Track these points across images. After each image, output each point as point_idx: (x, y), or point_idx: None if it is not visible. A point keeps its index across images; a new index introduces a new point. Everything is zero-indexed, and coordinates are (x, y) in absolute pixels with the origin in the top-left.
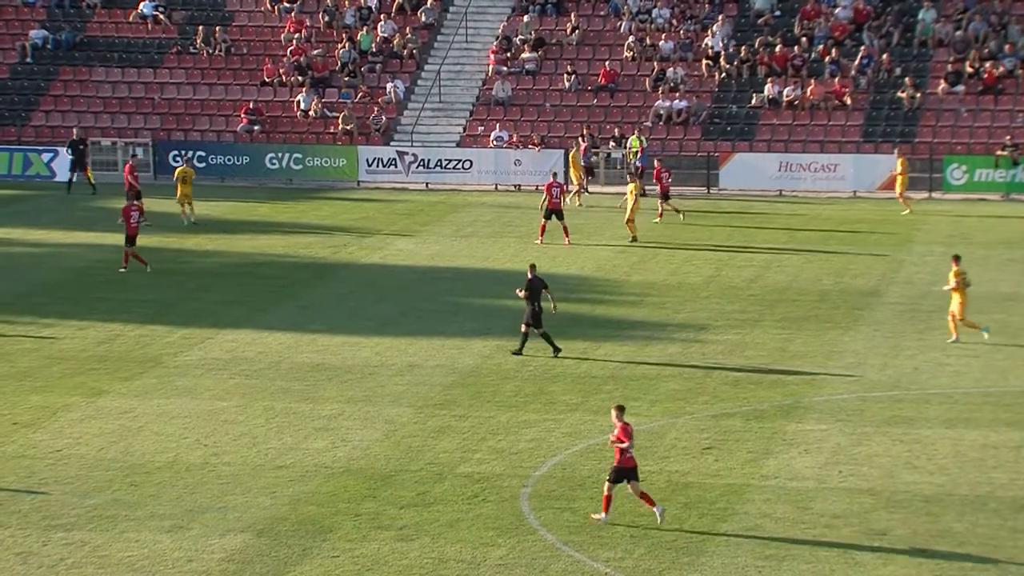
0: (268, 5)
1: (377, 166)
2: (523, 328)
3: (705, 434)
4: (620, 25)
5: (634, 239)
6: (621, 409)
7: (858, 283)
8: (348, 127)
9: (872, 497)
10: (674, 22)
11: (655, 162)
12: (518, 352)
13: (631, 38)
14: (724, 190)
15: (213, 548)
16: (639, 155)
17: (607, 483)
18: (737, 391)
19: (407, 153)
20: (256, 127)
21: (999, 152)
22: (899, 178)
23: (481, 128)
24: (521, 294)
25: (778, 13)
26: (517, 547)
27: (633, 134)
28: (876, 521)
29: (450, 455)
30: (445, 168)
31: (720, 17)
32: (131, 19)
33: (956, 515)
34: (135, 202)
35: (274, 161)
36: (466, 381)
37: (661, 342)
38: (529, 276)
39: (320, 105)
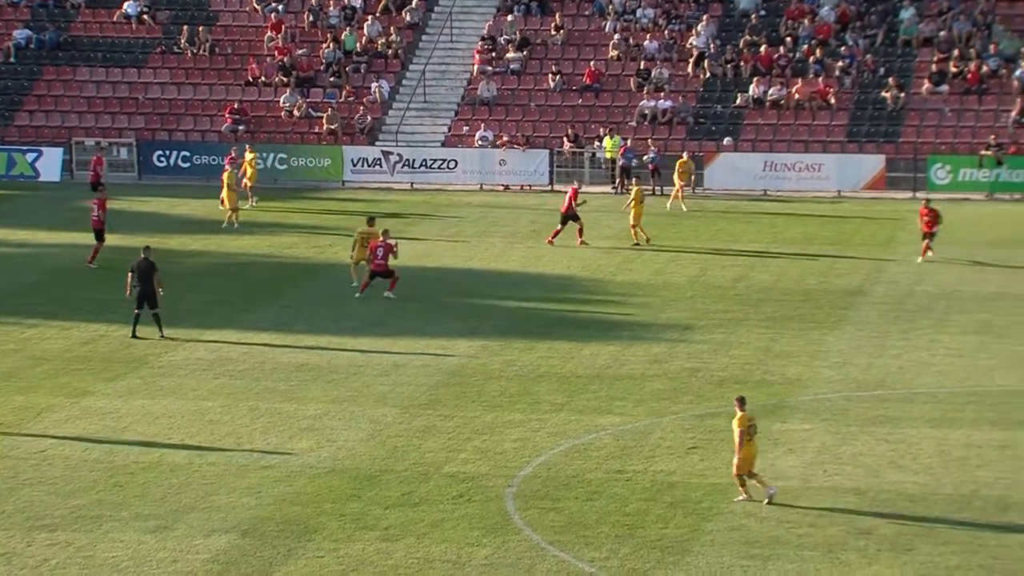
0: (253, 5)
1: (362, 166)
2: (136, 311)
3: (690, 434)
4: (605, 25)
5: (636, 244)
6: None
7: (843, 282)
8: (333, 127)
9: (857, 496)
10: (659, 22)
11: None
12: (134, 335)
13: (616, 38)
14: (709, 190)
15: (198, 548)
16: (621, 154)
17: None
18: (722, 391)
19: (392, 153)
20: (241, 127)
21: (983, 152)
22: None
23: (466, 128)
24: (128, 279)
25: (763, 13)
26: (502, 547)
27: (607, 135)
28: (861, 520)
29: (435, 455)
30: (430, 168)
31: (705, 17)
32: (115, 19)
33: (941, 514)
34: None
35: (258, 161)
36: (451, 381)
37: (646, 342)
38: (141, 256)
39: (305, 105)
